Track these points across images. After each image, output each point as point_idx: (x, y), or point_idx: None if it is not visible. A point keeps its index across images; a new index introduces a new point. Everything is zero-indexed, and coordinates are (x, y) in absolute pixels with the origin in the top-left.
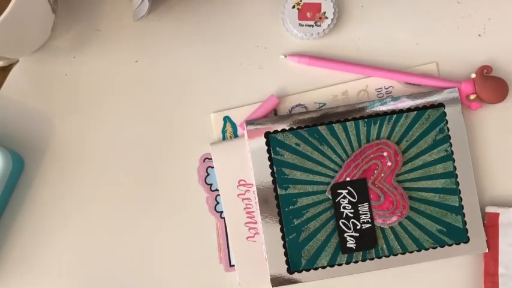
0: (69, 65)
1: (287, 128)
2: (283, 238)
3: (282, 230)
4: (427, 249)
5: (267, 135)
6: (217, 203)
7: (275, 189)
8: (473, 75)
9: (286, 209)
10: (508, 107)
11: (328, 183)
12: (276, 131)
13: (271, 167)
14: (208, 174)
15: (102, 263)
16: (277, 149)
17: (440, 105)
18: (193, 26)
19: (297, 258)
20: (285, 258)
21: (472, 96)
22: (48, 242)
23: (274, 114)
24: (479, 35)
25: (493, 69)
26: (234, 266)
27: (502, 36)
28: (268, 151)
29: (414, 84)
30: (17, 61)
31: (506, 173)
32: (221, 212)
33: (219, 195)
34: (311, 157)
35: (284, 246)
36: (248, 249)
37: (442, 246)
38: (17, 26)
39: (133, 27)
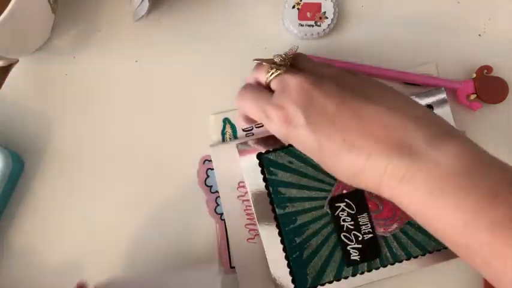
0: (69, 65)
1: (278, 147)
2: (286, 257)
3: (284, 249)
4: (431, 252)
5: (259, 156)
6: (217, 205)
7: (273, 210)
8: (473, 75)
9: (287, 228)
10: (508, 107)
11: (325, 198)
12: (268, 151)
13: (267, 187)
14: (208, 176)
15: (102, 264)
16: (271, 169)
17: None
18: (193, 26)
19: (303, 276)
20: (291, 278)
21: (472, 96)
22: (48, 242)
23: None
24: (479, 35)
25: (493, 69)
26: (234, 267)
27: (502, 36)
28: (263, 172)
29: (414, 84)
30: (17, 61)
31: None
32: (221, 214)
33: (219, 197)
34: (305, 173)
35: (289, 265)
36: (248, 250)
37: (445, 248)
38: (17, 26)
39: (133, 27)
